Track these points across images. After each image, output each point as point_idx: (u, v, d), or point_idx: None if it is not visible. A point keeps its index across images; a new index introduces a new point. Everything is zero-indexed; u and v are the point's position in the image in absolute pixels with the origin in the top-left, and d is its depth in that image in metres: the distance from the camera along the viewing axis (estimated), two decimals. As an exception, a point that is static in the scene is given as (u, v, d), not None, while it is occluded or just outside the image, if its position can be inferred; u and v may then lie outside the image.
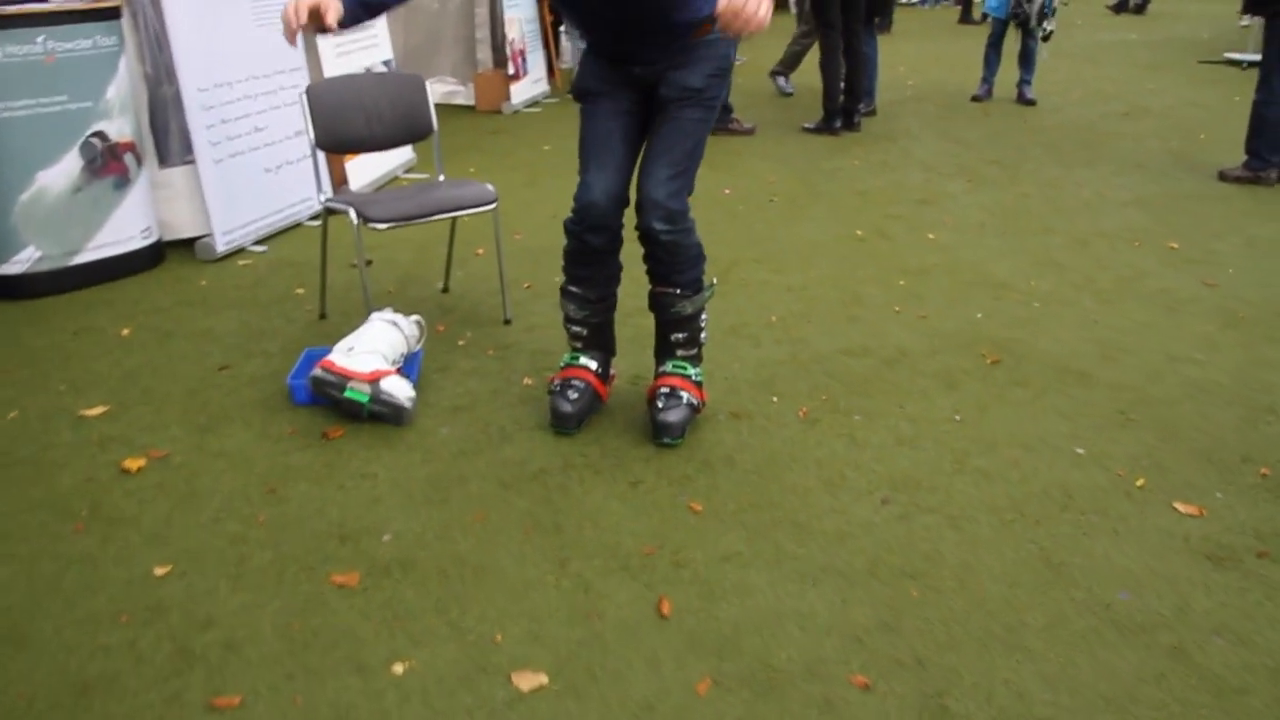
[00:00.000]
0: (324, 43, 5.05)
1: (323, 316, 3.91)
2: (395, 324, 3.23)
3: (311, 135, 3.62)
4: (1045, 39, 8.19)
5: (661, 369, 3.04)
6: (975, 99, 8.59)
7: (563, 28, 9.16)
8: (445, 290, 4.21)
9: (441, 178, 3.95)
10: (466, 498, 2.68)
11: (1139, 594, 2.31)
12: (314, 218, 5.10)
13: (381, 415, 3.02)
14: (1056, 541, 2.50)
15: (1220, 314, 3.92)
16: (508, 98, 7.74)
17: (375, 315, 3.27)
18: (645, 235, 2.86)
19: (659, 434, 2.93)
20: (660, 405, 2.95)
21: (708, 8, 2.69)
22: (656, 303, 2.98)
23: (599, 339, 3.10)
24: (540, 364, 3.49)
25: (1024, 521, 2.58)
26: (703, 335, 3.05)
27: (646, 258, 2.94)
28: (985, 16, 8.58)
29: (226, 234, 4.51)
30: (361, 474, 2.79)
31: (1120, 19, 16.19)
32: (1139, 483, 2.76)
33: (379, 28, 5.57)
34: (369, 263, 4.52)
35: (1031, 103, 8.36)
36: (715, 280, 3.07)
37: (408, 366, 3.28)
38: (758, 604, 2.26)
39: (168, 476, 2.78)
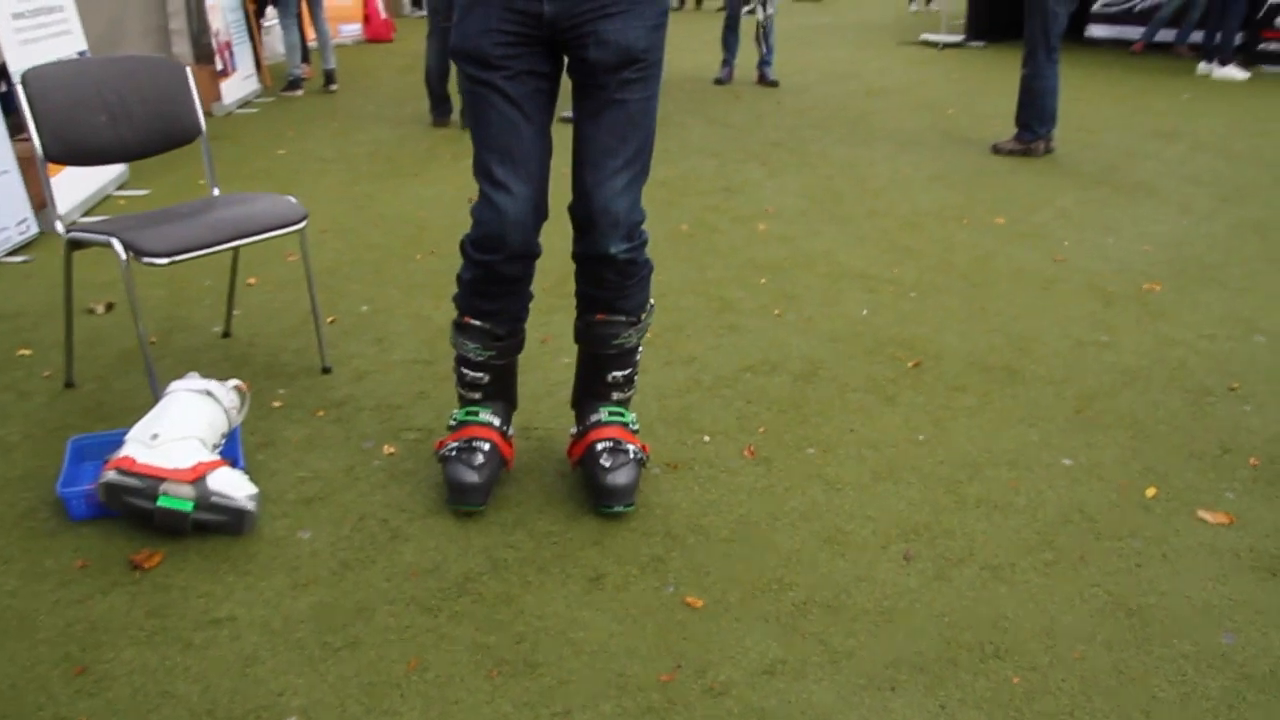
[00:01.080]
0: (3, 25, 3.88)
1: (70, 385, 2.90)
2: (209, 394, 2.35)
3: (37, 142, 2.64)
4: (765, 36, 8.13)
5: (594, 418, 2.38)
6: (718, 82, 8.37)
7: (265, 19, 8.02)
8: (227, 335, 3.29)
9: (216, 191, 3.04)
10: (381, 636, 1.91)
11: (1242, 633, 1.95)
12: (16, 251, 3.92)
13: (213, 525, 2.16)
14: (1115, 580, 2.11)
15: (1092, 291, 3.76)
16: (218, 97, 6.60)
17: (177, 385, 2.37)
18: (598, 259, 2.19)
19: (608, 500, 2.28)
20: (605, 464, 2.29)
21: None
22: (594, 335, 2.32)
23: (502, 387, 2.39)
24: (394, 423, 2.72)
25: (1068, 560, 2.17)
26: (637, 374, 2.42)
27: (587, 281, 2.27)
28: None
29: (-104, 284, 3.32)
30: (212, 620, 1.94)
31: (804, 4, 16.84)
32: (1149, 493, 2.44)
33: (69, 10, 4.41)
34: (110, 307, 3.49)
35: (774, 84, 8.25)
36: (653, 301, 2.45)
37: (228, 450, 2.41)
38: (844, 733, 1.70)
39: (-103, 672, 1.81)
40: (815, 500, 2.39)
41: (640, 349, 2.41)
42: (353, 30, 10.32)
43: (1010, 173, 5.53)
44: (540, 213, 2.19)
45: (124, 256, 2.49)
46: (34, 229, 3.93)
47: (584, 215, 2.19)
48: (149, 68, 2.90)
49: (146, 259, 2.47)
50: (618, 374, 2.36)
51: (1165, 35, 10.31)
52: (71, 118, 2.69)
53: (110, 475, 2.13)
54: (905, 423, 2.77)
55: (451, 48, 2.15)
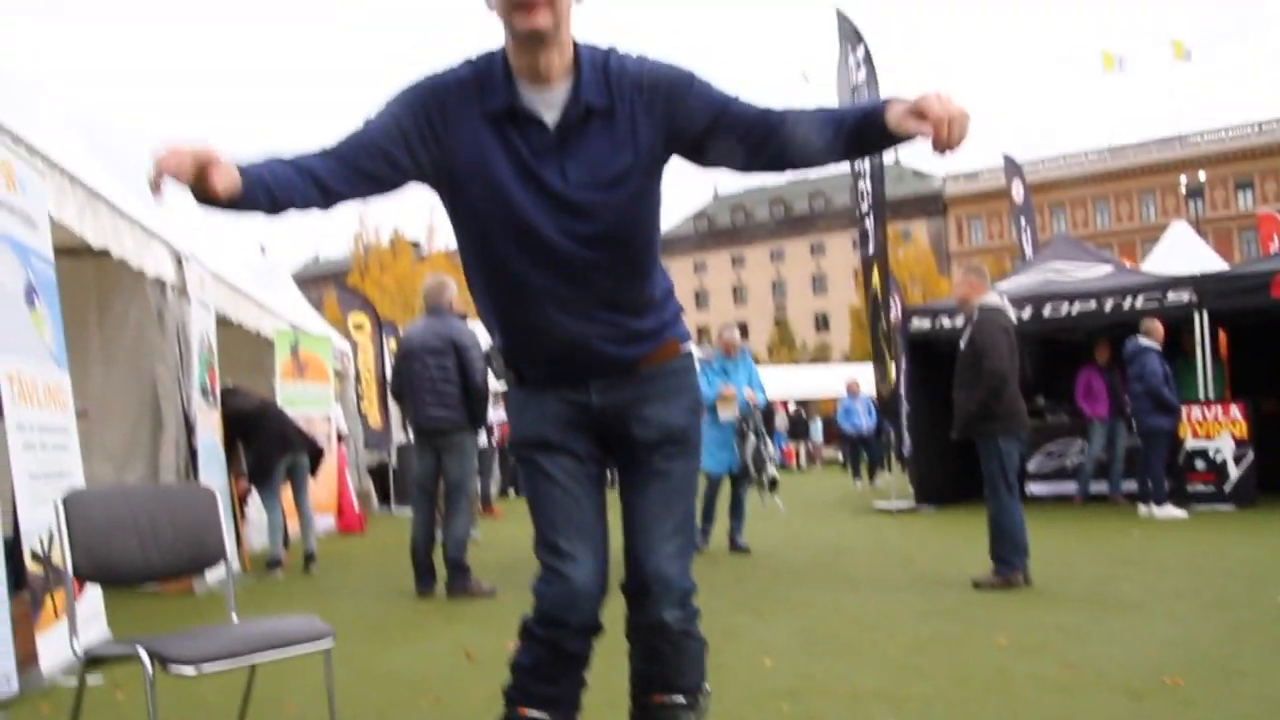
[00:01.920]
0: (21, 485, 3.98)
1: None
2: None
3: (69, 559, 2.63)
4: (773, 488, 8.52)
5: None
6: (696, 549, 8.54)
7: (248, 503, 8.25)
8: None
9: (235, 617, 2.99)
10: None
11: None
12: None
13: None
14: None
15: (1116, 690, 3.69)
16: (201, 574, 6.60)
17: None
18: (653, 629, 2.20)
19: None
20: None
21: (674, 324, 2.30)
22: None
23: None
24: None
25: None
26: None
27: (642, 657, 2.25)
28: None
29: None
30: None
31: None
32: None
33: (77, 475, 4.55)
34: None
35: (745, 549, 8.46)
36: (710, 687, 2.37)
37: None
38: None
39: None
40: None
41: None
42: (325, 522, 10.59)
43: (997, 602, 5.59)
44: (604, 584, 2.23)
45: (149, 669, 2.40)
46: (14, 687, 3.73)
47: (637, 584, 2.22)
48: (182, 494, 3.00)
49: (174, 667, 2.37)
50: (677, 764, 2.24)
51: (1100, 488, 11.02)
52: (105, 539, 2.72)
53: None
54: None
55: (511, 440, 2.33)
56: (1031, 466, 11.63)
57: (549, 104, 2.07)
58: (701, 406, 2.39)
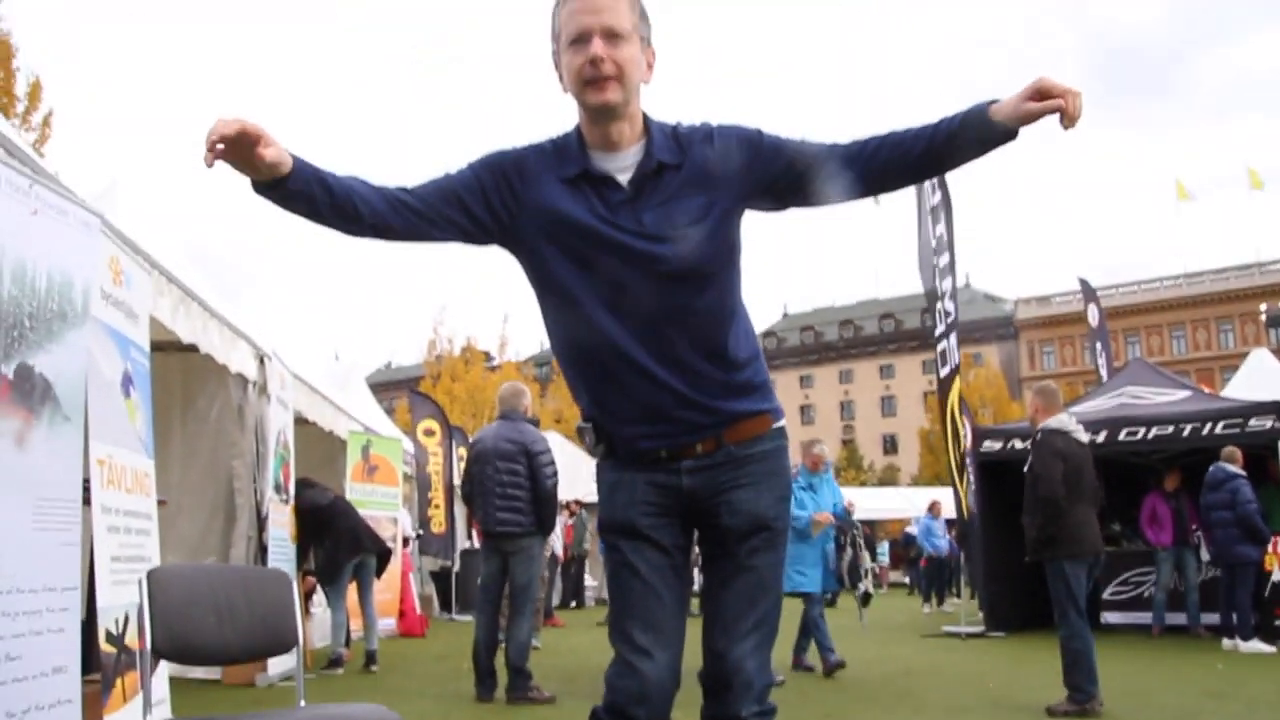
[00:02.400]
0: (102, 567, 4.10)
1: None
2: None
3: (148, 637, 2.70)
4: (865, 602, 8.34)
5: None
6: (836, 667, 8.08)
7: (313, 601, 8.31)
8: None
9: (302, 703, 3.02)
10: None
11: None
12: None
13: None
14: None
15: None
16: (264, 669, 6.63)
17: None
18: None
19: None
20: None
21: (765, 391, 2.33)
22: None
23: None
24: None
25: None
26: None
27: None
28: None
29: (-59, 811, 3.12)
30: None
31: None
32: None
33: (155, 559, 4.65)
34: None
35: (810, 669, 8.19)
36: None
37: None
38: None
39: None
40: None
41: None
42: (386, 624, 10.59)
43: (1072, 730, 5.38)
44: (677, 681, 2.22)
45: (219, 743, 2.43)
46: (82, 770, 3.77)
47: (716, 677, 2.21)
48: (258, 576, 3.06)
49: (243, 745, 2.40)
50: None
51: (1177, 619, 10.59)
52: (184, 614, 2.77)
53: None
54: None
55: (600, 523, 2.35)
56: (1106, 594, 11.24)
57: (622, 166, 2.20)
58: (791, 491, 2.39)
